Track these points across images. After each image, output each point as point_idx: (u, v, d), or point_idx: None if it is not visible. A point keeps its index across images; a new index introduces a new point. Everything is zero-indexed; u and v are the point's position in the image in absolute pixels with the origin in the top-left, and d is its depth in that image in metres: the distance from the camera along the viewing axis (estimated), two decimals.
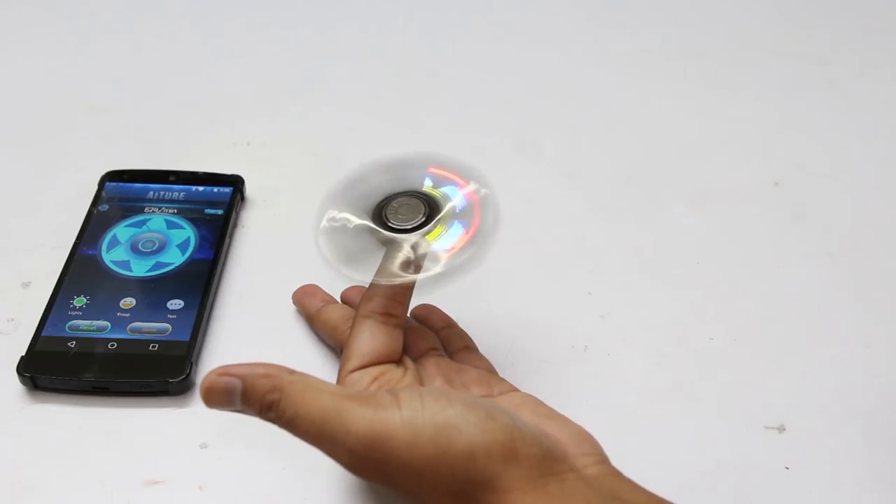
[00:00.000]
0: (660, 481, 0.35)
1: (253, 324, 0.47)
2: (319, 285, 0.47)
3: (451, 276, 0.38)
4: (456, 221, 0.39)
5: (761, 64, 0.67)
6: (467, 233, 0.38)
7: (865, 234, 0.54)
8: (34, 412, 0.42)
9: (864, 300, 0.50)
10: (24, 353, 0.43)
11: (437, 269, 0.38)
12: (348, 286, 0.47)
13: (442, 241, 0.39)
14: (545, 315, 0.48)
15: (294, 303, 0.47)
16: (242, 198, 0.53)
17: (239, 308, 0.48)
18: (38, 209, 0.53)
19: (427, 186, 0.40)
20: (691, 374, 0.45)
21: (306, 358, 0.45)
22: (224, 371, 0.34)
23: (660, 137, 0.61)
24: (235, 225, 0.52)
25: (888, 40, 0.70)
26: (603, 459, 0.35)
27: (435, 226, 0.39)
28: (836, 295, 0.50)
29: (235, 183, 0.53)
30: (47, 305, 0.45)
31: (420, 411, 0.33)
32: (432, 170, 0.41)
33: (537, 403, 0.38)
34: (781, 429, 0.43)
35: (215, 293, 0.48)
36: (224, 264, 0.50)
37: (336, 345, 0.44)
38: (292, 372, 0.34)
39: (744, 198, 0.56)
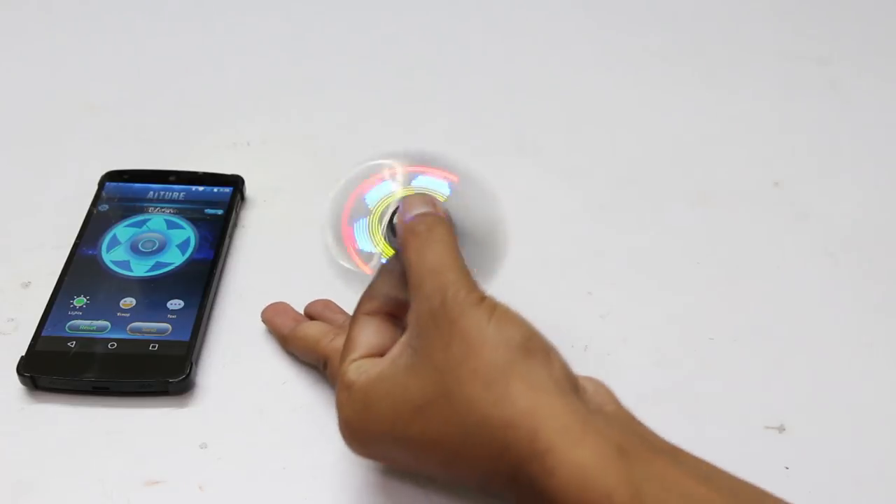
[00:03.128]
0: None
1: (253, 324, 0.47)
2: (317, 283, 0.46)
3: None
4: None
5: (761, 64, 0.67)
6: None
7: (866, 234, 0.53)
8: (34, 412, 0.42)
9: (865, 300, 0.50)
10: (24, 353, 0.43)
11: None
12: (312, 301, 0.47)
13: None
14: (545, 315, 0.48)
15: (264, 321, 0.46)
16: (242, 198, 0.53)
17: (239, 308, 0.48)
18: (38, 209, 0.53)
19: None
20: (691, 374, 0.45)
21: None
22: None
23: (660, 137, 0.61)
24: (235, 225, 0.52)
25: (888, 40, 0.70)
26: (620, 405, 0.36)
27: None
28: (836, 295, 0.50)
29: (235, 183, 0.53)
30: (47, 305, 0.45)
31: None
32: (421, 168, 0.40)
33: None
34: (781, 429, 0.43)
35: (215, 293, 0.48)
36: (224, 264, 0.50)
37: (317, 359, 0.43)
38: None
39: (744, 198, 0.56)
